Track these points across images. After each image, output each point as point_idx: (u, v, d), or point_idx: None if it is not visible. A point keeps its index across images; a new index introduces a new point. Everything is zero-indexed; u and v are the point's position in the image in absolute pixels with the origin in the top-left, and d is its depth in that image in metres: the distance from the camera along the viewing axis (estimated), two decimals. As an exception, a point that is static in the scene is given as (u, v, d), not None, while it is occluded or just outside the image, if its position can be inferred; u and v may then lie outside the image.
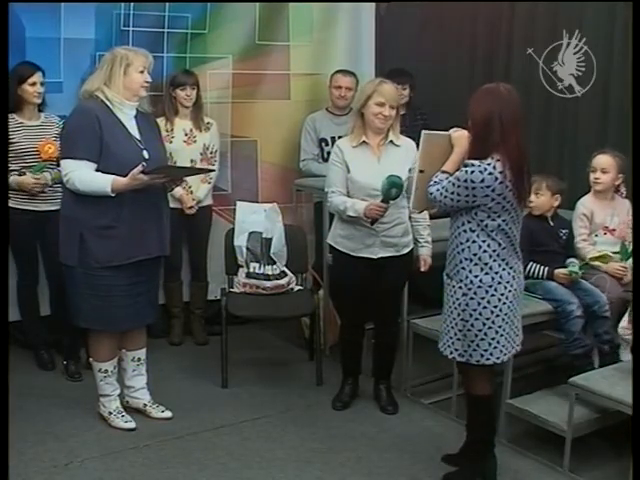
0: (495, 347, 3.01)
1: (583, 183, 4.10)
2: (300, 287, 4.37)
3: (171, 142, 4.46)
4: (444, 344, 3.13)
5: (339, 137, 4.84)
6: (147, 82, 3.43)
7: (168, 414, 3.76)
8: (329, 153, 4.81)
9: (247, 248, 4.25)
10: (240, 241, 4.25)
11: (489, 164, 2.86)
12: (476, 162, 2.88)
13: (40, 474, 3.22)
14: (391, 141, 3.67)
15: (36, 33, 4.17)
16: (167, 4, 4.48)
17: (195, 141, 4.53)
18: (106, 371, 3.62)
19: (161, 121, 4.48)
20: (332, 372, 4.11)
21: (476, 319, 2.98)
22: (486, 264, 2.95)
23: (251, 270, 4.24)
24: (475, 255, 2.95)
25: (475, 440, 3.23)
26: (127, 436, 3.55)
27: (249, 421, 3.76)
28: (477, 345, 3.01)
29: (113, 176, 3.29)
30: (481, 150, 2.90)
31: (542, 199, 3.82)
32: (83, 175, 3.30)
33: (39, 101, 4.05)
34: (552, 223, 3.87)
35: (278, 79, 4.98)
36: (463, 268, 2.98)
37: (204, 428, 3.66)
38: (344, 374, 4.00)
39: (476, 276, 2.96)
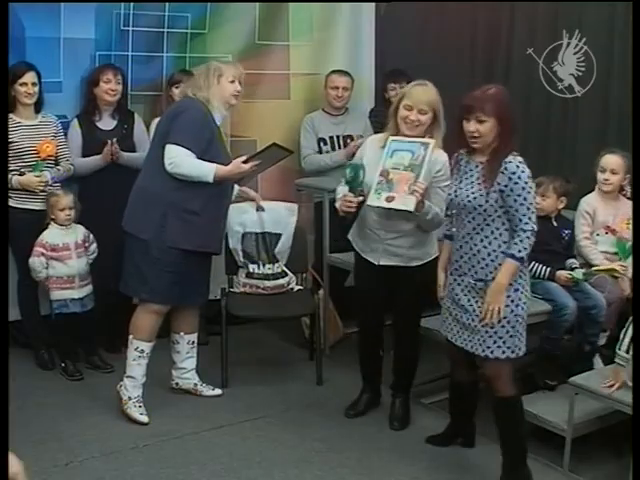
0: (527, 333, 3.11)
1: (583, 183, 4.09)
2: (300, 287, 4.36)
3: (172, 141, 4.47)
4: (487, 348, 3.04)
5: (337, 136, 4.89)
6: (238, 91, 3.68)
7: (218, 391, 3.96)
8: (328, 152, 4.85)
9: (242, 250, 4.23)
10: (234, 244, 4.22)
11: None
12: (516, 156, 2.99)
13: (40, 474, 3.20)
14: None
15: (36, 33, 4.16)
16: (167, 4, 4.48)
17: (195, 140, 4.53)
18: (142, 351, 3.66)
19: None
20: (332, 372, 4.11)
21: (525, 310, 3.07)
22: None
23: (251, 270, 4.24)
24: None
25: (518, 448, 3.14)
26: (127, 436, 3.54)
27: (249, 421, 3.76)
28: (523, 336, 3.07)
29: (216, 164, 3.53)
30: (511, 144, 3.02)
31: (548, 201, 3.80)
32: (189, 159, 3.50)
33: (30, 101, 4.03)
34: (555, 223, 3.87)
35: (278, 79, 4.98)
36: None
37: (204, 428, 3.66)
38: (362, 381, 3.88)
39: (521, 271, 3.05)
